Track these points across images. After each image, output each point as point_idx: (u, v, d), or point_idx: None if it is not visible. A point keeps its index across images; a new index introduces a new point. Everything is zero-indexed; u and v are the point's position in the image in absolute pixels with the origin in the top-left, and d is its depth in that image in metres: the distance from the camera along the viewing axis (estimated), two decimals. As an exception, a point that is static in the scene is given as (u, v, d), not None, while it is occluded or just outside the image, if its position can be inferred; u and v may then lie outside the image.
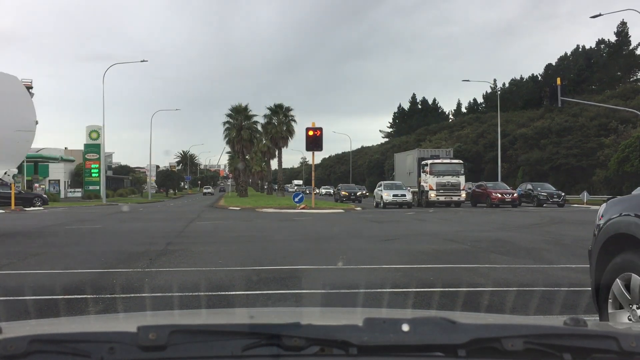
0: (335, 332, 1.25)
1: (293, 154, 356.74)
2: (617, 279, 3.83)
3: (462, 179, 37.34)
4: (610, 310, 3.87)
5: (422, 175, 37.94)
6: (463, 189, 37.39)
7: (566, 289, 6.72)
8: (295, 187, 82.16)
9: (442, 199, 36.57)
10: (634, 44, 76.27)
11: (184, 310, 5.68)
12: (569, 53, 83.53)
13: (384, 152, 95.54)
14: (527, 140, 61.28)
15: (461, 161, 39.40)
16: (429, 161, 37.86)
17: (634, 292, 3.70)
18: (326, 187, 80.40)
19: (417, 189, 38.76)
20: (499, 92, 67.25)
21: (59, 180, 66.93)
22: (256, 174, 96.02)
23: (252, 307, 6.07)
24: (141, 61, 61.91)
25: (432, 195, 36.62)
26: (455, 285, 7.24)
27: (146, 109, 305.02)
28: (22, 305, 6.23)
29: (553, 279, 7.75)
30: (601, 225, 4.07)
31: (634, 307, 3.69)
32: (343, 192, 46.71)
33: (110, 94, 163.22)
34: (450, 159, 39.64)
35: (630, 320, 3.68)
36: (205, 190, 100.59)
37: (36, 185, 53.78)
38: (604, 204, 4.31)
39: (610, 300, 3.91)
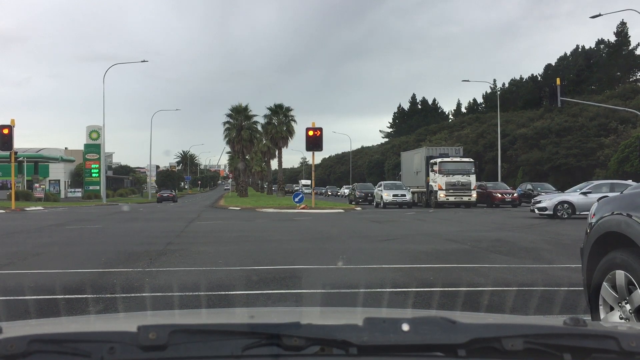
0: (335, 331, 1.25)
1: (293, 154, 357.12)
2: (604, 283, 3.87)
3: (472, 178, 35.67)
4: (602, 315, 3.90)
5: (431, 174, 36.19)
6: (474, 189, 35.68)
7: (566, 289, 6.72)
8: (309, 188, 78.42)
9: (452, 199, 35.02)
10: (633, 44, 76.37)
11: (184, 310, 5.67)
12: (568, 53, 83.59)
13: (384, 152, 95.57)
14: (527, 140, 61.30)
15: (472, 159, 37.64)
16: (438, 160, 36.02)
17: (620, 288, 3.74)
18: (348, 187, 76.97)
19: (425, 189, 37.38)
20: (498, 92, 67.31)
21: (59, 180, 66.99)
22: (256, 174, 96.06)
23: (252, 307, 6.07)
24: (141, 61, 62.13)
25: (442, 195, 35.05)
26: (455, 285, 7.24)
27: (146, 109, 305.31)
28: (22, 305, 6.23)
29: (553, 279, 7.75)
30: (593, 223, 4.11)
31: (623, 303, 3.72)
32: (358, 192, 44.25)
33: (111, 94, 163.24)
34: (460, 157, 37.93)
35: (621, 318, 3.70)
36: (225, 187, 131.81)
37: (36, 185, 53.77)
38: (596, 203, 4.35)
39: (601, 306, 3.94)
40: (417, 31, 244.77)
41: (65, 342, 1.20)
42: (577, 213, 22.84)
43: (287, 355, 1.20)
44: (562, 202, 23.46)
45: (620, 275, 3.72)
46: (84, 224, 20.02)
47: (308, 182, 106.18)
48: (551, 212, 23.24)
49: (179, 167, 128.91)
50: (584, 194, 23.57)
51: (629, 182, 26.03)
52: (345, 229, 17.74)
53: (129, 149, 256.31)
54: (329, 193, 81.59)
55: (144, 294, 6.68)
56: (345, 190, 72.20)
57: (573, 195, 23.98)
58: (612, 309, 3.85)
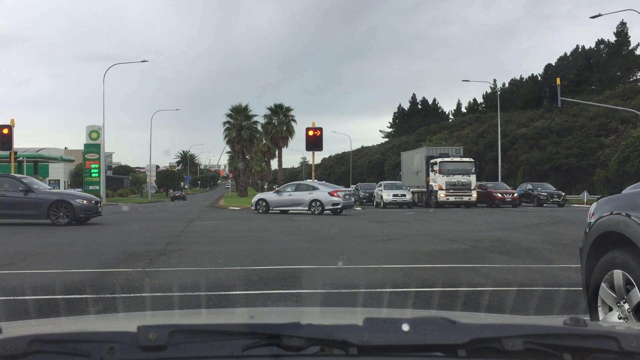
0: (335, 332, 1.25)
1: (293, 154, 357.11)
2: (603, 282, 3.87)
3: (473, 178, 35.74)
4: (601, 316, 3.90)
5: (431, 174, 36.27)
6: (474, 189, 35.73)
7: (566, 289, 6.72)
8: None
9: (452, 199, 35.10)
10: (633, 44, 76.47)
11: (184, 310, 5.67)
12: (568, 53, 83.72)
13: (384, 152, 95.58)
14: (527, 140, 61.32)
15: (472, 159, 37.63)
16: (438, 159, 36.11)
17: (619, 288, 3.74)
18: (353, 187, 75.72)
19: (425, 189, 37.46)
20: (499, 92, 67.31)
21: (58, 180, 66.99)
22: (256, 174, 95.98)
23: (252, 307, 6.07)
24: (141, 61, 62.11)
25: (442, 195, 35.14)
26: (455, 285, 7.24)
27: (146, 109, 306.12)
28: (22, 305, 6.23)
29: (553, 278, 7.76)
30: (592, 223, 4.11)
31: (621, 302, 3.72)
32: (362, 193, 43.67)
33: (111, 94, 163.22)
34: (461, 157, 38.00)
35: (620, 318, 3.70)
36: (226, 186, 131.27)
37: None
38: (595, 203, 4.35)
39: (600, 306, 3.94)
40: (417, 31, 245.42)
41: (65, 342, 1.20)
42: (272, 209, 27.78)
43: (287, 355, 1.20)
44: (260, 200, 28.79)
45: (618, 274, 3.72)
46: (84, 224, 20.00)
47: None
48: (254, 207, 28.68)
49: (179, 167, 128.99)
50: (278, 192, 28.73)
51: (310, 181, 30.96)
52: (345, 229, 17.74)
53: (129, 149, 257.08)
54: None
55: (144, 294, 6.68)
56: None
57: (268, 194, 29.64)
58: (610, 309, 3.85)
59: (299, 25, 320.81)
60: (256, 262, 9.53)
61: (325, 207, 26.53)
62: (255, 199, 29.58)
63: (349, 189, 32.51)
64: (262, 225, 19.42)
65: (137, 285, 7.35)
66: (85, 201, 19.44)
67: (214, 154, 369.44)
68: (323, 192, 27.11)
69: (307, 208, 26.84)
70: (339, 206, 26.75)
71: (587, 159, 54.25)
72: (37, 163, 62.59)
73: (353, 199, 29.64)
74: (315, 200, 26.76)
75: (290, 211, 27.34)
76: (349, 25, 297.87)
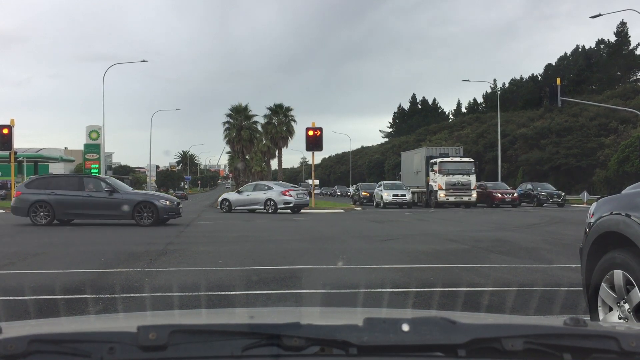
0: (335, 332, 1.25)
1: (293, 154, 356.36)
2: (603, 283, 3.87)
3: (472, 178, 35.77)
4: (601, 316, 3.90)
5: (431, 174, 36.32)
6: (474, 189, 35.78)
7: (566, 289, 6.72)
8: (317, 188, 75.82)
9: (452, 199, 35.15)
10: (633, 44, 76.48)
11: (184, 310, 5.68)
12: (568, 53, 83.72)
13: (384, 152, 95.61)
14: (527, 140, 61.32)
15: (472, 159, 37.61)
16: (438, 159, 36.12)
17: (619, 288, 3.74)
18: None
19: (425, 189, 37.52)
20: (499, 92, 67.27)
21: (59, 180, 66.79)
22: (256, 174, 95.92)
23: (252, 307, 6.07)
24: (141, 61, 62.13)
25: (442, 195, 35.19)
26: (455, 285, 7.24)
27: (146, 109, 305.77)
28: (22, 305, 6.23)
29: (553, 279, 7.76)
30: (592, 223, 4.11)
31: (622, 302, 3.72)
32: (363, 193, 43.32)
33: (110, 94, 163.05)
34: (461, 157, 38.01)
35: (620, 318, 3.70)
36: (226, 186, 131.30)
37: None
38: (595, 203, 4.35)
39: (600, 306, 3.94)
40: (417, 31, 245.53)
41: (65, 342, 1.20)
42: (234, 208, 29.25)
43: (287, 355, 1.20)
44: (224, 199, 30.33)
45: (618, 274, 3.72)
46: (83, 224, 19.99)
47: (316, 182, 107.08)
48: (219, 207, 30.24)
49: (179, 167, 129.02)
50: (239, 192, 30.42)
51: (266, 182, 32.76)
52: (345, 229, 17.74)
53: (129, 149, 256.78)
54: (338, 193, 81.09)
55: (144, 294, 6.68)
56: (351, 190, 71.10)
57: (231, 194, 31.02)
58: (611, 309, 3.85)
59: (299, 25, 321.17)
60: (256, 262, 9.53)
61: (279, 206, 27.95)
62: (220, 198, 31.41)
63: (303, 188, 32.82)
64: (262, 225, 19.41)
65: (137, 285, 7.36)
66: (167, 202, 19.42)
67: (214, 154, 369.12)
68: (276, 191, 28.48)
69: (263, 207, 28.27)
70: (291, 204, 28.11)
71: (587, 159, 54.26)
72: (37, 163, 62.51)
73: (307, 198, 30.91)
74: (269, 200, 28.16)
75: (257, 210, 28.78)
76: (349, 25, 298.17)
